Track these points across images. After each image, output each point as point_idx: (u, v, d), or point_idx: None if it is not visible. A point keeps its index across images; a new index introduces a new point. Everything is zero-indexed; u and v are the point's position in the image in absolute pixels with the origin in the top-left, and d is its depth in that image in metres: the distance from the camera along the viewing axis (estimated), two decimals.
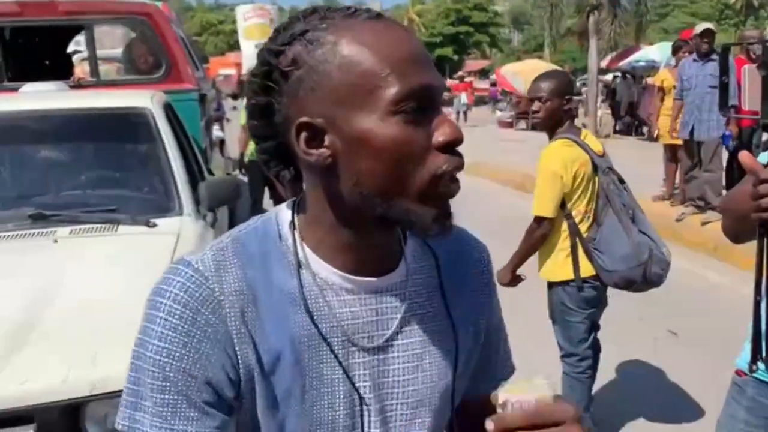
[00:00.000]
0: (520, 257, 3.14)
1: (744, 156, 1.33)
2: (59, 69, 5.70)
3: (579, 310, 3.11)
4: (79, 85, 4.90)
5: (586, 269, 3.01)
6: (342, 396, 0.88)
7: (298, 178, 0.90)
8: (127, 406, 0.84)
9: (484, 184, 10.61)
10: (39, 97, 3.63)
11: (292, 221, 0.90)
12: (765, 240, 1.37)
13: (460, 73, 19.95)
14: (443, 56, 50.28)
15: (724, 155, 7.18)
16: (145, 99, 3.45)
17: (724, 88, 1.51)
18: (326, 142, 0.81)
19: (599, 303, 3.17)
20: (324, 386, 0.87)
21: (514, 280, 3.17)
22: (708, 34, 6.80)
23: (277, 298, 0.86)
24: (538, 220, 2.99)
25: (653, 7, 21.33)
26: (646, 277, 2.97)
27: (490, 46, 57.44)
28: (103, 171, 3.30)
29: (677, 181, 7.91)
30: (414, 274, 0.94)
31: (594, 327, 3.27)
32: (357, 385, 0.89)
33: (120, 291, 2.14)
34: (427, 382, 0.94)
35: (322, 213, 0.87)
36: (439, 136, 0.81)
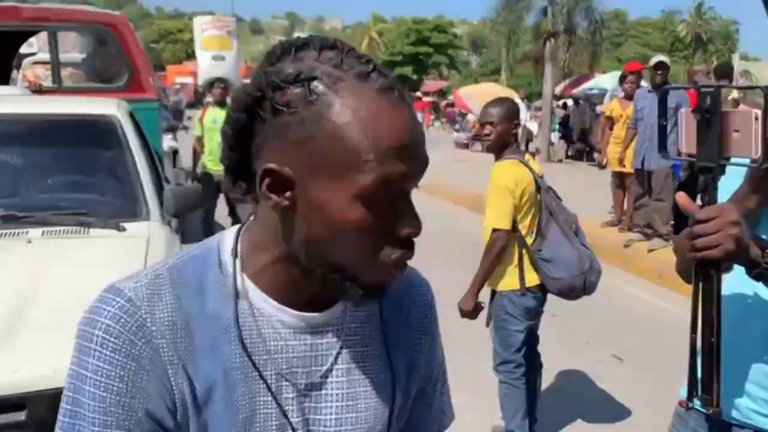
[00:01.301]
0: (483, 275, 3.26)
1: (680, 197, 1.36)
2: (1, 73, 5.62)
3: (520, 319, 3.31)
4: (40, 90, 4.88)
5: (531, 279, 3.23)
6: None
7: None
8: (67, 415, 0.82)
9: (440, 204, 10.70)
10: (7, 100, 3.66)
11: (235, 248, 0.88)
12: (700, 279, 1.39)
13: (417, 93, 20.08)
14: (403, 75, 50.71)
15: (674, 185, 7.38)
16: (112, 107, 3.54)
17: (662, 131, 1.55)
18: (287, 194, 0.79)
19: (537, 314, 3.40)
20: (256, 421, 0.85)
21: (476, 309, 3.28)
22: (661, 66, 7.00)
23: (211, 328, 0.84)
24: (496, 232, 3.15)
25: (607, 36, 21.83)
26: (585, 285, 3.21)
27: (448, 67, 58.20)
28: (71, 176, 3.34)
29: (625, 207, 8.09)
30: (353, 311, 0.92)
31: (532, 337, 3.51)
32: (289, 421, 0.87)
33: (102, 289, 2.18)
34: (361, 423, 0.92)
35: (268, 245, 0.85)
36: (402, 230, 0.80)
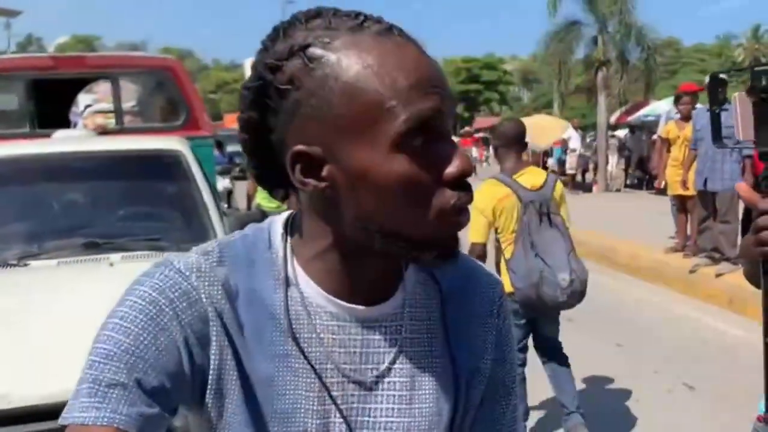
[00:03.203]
0: None
1: (741, 188, 1.24)
2: (61, 119, 5.91)
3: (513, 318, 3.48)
4: (105, 133, 5.15)
5: (507, 286, 3.40)
6: (315, 428, 0.80)
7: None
8: (71, 397, 0.74)
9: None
10: (82, 140, 4.06)
11: (285, 234, 0.83)
12: None
13: (466, 128, 20.04)
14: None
15: (741, 206, 7.07)
16: (177, 143, 3.84)
17: (716, 120, 1.42)
18: (324, 173, 0.74)
19: (526, 318, 3.57)
20: (297, 414, 0.79)
21: None
22: (722, 84, 6.76)
23: (257, 310, 0.80)
24: (471, 246, 3.43)
25: (662, 63, 21.45)
26: (540, 296, 3.38)
27: (499, 103, 58.23)
28: (143, 206, 3.62)
29: (689, 232, 7.78)
30: (412, 307, 0.85)
31: (545, 339, 3.77)
32: (333, 420, 0.81)
33: None
34: (415, 427, 0.84)
35: (316, 235, 0.80)
36: (449, 170, 0.74)
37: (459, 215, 0.75)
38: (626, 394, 4.43)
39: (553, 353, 3.76)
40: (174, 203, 3.59)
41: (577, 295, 3.42)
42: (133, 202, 3.61)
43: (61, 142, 3.97)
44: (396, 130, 0.70)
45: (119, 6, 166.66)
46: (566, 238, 3.46)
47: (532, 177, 3.53)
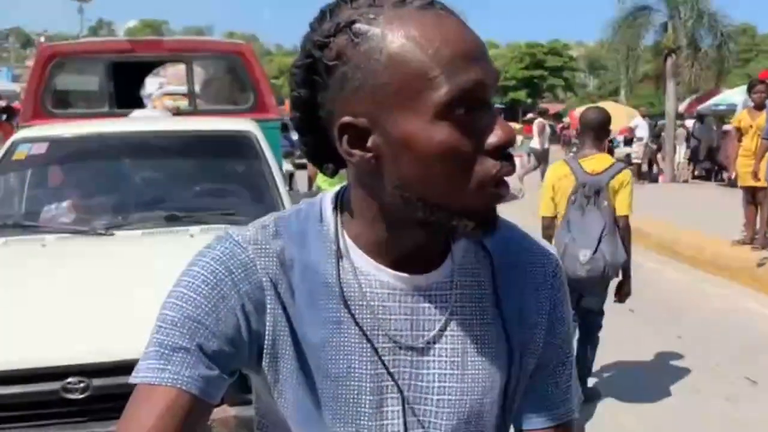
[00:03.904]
0: None
1: None
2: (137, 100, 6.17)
3: None
4: (179, 113, 5.39)
5: None
6: (368, 392, 0.84)
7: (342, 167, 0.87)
8: (141, 358, 0.82)
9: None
10: (161, 120, 4.34)
11: (336, 207, 0.87)
12: None
13: (530, 115, 19.70)
14: (517, 99, 50.23)
15: None
16: (249, 124, 4.06)
17: None
18: (369, 144, 0.77)
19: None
20: (351, 378, 0.84)
21: None
22: None
23: (311, 280, 0.85)
24: (542, 218, 3.89)
25: (735, 51, 20.64)
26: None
27: (564, 89, 57.08)
28: (218, 182, 3.84)
29: (758, 225, 7.57)
30: (462, 276, 0.88)
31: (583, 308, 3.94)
32: (386, 383, 0.85)
33: None
34: (468, 393, 0.87)
35: (363, 208, 0.84)
36: (491, 139, 0.76)
37: (499, 187, 0.77)
38: (686, 386, 4.39)
39: (583, 326, 3.93)
40: (246, 181, 3.77)
41: (599, 274, 3.65)
42: (209, 179, 3.81)
43: (142, 122, 4.18)
44: (439, 100, 0.73)
45: None
46: (607, 221, 3.67)
47: (595, 162, 3.76)
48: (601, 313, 4.00)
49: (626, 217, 3.77)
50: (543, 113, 16.05)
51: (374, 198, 0.82)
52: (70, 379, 2.22)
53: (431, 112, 0.73)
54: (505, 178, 0.79)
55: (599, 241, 3.63)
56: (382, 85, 0.74)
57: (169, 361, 0.79)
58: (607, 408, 4.05)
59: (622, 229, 3.77)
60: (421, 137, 0.74)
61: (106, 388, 2.22)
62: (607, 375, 4.45)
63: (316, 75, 0.78)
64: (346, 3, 0.78)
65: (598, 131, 3.83)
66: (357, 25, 0.76)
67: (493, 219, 0.80)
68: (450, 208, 0.77)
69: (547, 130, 15.80)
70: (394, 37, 0.74)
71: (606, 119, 3.86)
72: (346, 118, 0.77)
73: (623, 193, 3.75)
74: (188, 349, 0.79)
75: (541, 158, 15.35)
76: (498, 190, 0.77)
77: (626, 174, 3.85)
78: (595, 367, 4.13)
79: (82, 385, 2.23)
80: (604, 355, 4.32)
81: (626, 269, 3.90)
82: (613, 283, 3.95)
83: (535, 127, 15.80)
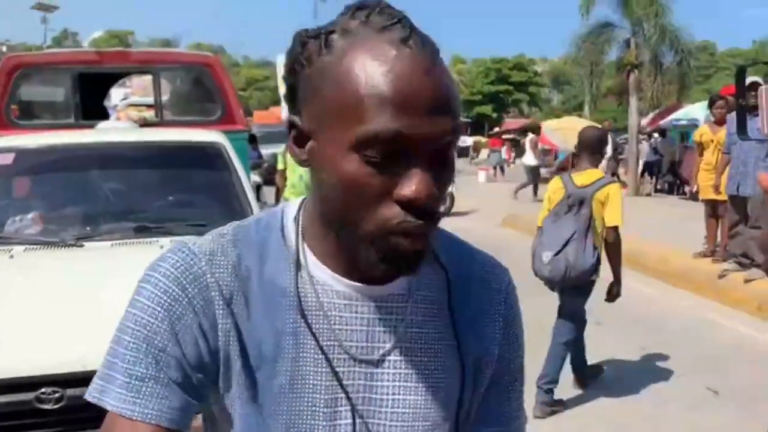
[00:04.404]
0: None
1: (763, 177, 1.27)
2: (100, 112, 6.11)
3: None
4: (146, 124, 5.37)
5: None
6: (323, 404, 0.84)
7: None
8: (100, 377, 0.82)
9: (520, 237, 10.52)
10: (130, 131, 4.32)
11: (297, 216, 0.87)
12: None
13: (495, 129, 19.94)
14: (482, 114, 50.72)
15: None
16: (218, 135, 4.08)
17: (741, 111, 1.45)
18: (306, 147, 0.80)
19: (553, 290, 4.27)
20: (305, 390, 0.83)
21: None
22: (755, 87, 6.72)
23: (269, 291, 0.84)
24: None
25: (696, 67, 21.11)
26: (534, 270, 4.09)
27: (529, 104, 57.81)
28: (187, 194, 3.85)
29: (719, 237, 7.74)
30: (418, 288, 0.88)
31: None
32: (340, 396, 0.84)
33: None
34: (420, 408, 0.87)
35: (315, 210, 0.84)
36: (402, 190, 0.74)
37: (402, 237, 0.75)
38: (651, 398, 4.46)
39: (558, 323, 4.20)
40: (216, 192, 3.80)
41: (560, 274, 3.94)
42: (179, 191, 3.83)
43: (110, 133, 4.16)
44: (356, 134, 0.72)
45: (152, 2, 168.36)
46: (579, 228, 3.94)
47: (585, 177, 4.07)
48: (575, 318, 4.17)
49: (616, 227, 4.03)
50: (535, 129, 16.30)
51: (317, 203, 0.83)
52: (43, 390, 2.21)
53: (348, 143, 0.74)
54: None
55: (565, 245, 3.91)
56: (325, 100, 0.76)
57: (140, 393, 0.79)
58: (573, 417, 4.10)
59: (610, 238, 4.05)
60: (335, 162, 0.75)
61: (81, 398, 2.19)
62: (573, 385, 4.50)
63: (298, 66, 0.80)
64: (349, 10, 0.79)
65: (594, 148, 4.13)
66: (333, 36, 0.77)
67: (399, 258, 0.77)
68: (356, 235, 0.77)
69: (539, 146, 16.08)
70: (349, 59, 0.74)
71: (601, 137, 4.21)
72: (294, 117, 0.80)
73: (612, 204, 4.00)
74: (156, 379, 0.80)
75: (535, 174, 15.61)
76: (398, 240, 0.75)
77: (612, 187, 4.09)
78: (562, 378, 4.18)
79: (56, 395, 2.22)
80: (569, 366, 4.38)
81: (616, 273, 4.19)
82: (604, 286, 4.20)
83: (528, 143, 16.06)
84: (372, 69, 0.73)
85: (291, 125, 0.81)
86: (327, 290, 0.84)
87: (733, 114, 7.15)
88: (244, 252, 0.85)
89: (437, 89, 0.74)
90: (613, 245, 4.10)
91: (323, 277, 0.84)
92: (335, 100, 0.74)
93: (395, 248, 0.76)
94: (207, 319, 0.82)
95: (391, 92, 0.72)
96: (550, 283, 4.12)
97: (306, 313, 0.83)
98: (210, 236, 0.86)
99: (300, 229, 0.86)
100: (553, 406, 4.09)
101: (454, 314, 0.89)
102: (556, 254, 3.93)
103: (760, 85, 6.77)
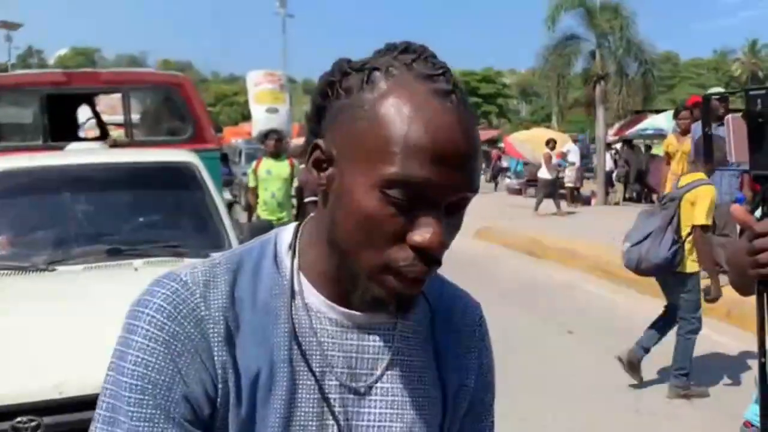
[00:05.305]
0: None
1: (736, 210, 1.29)
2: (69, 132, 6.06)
3: None
4: (116, 145, 5.30)
5: None
6: (314, 430, 0.85)
7: None
8: (103, 422, 0.80)
9: (493, 249, 10.61)
10: (100, 152, 4.29)
11: (292, 244, 0.88)
12: (765, 297, 1.28)
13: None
14: None
15: None
16: (190, 155, 4.06)
17: (707, 140, 1.47)
18: (327, 173, 0.82)
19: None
20: (297, 415, 0.84)
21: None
22: (719, 99, 6.88)
23: (262, 319, 0.84)
24: None
25: (659, 77, 21.53)
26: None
27: (498, 116, 58.33)
28: (160, 214, 3.83)
29: None
30: (405, 319, 0.91)
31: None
32: (329, 422, 0.85)
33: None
34: None
35: (318, 235, 0.86)
36: (415, 236, 0.77)
37: (403, 278, 0.78)
38: (625, 404, 4.51)
39: (665, 313, 4.66)
40: (189, 212, 3.79)
41: (633, 265, 4.34)
42: (151, 211, 3.80)
43: (80, 154, 4.14)
44: (386, 173, 0.75)
45: (118, 18, 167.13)
46: (661, 223, 4.27)
47: (688, 178, 4.48)
48: (685, 310, 4.50)
49: (701, 227, 4.30)
50: (549, 144, 16.19)
51: (324, 225, 0.84)
52: (20, 419, 2.18)
53: (373, 180, 0.76)
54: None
55: (645, 238, 4.24)
56: (356, 133, 0.78)
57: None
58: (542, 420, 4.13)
59: (696, 238, 4.30)
60: (356, 195, 0.78)
61: (58, 426, 2.19)
62: (543, 394, 4.53)
63: (331, 91, 0.82)
64: (393, 51, 0.81)
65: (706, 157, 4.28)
66: (375, 73, 0.79)
67: (395, 299, 0.80)
68: (360, 267, 0.80)
69: (554, 160, 15.94)
70: (389, 100, 0.77)
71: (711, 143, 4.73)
72: (320, 141, 0.82)
73: (700, 205, 4.27)
74: (167, 418, 0.79)
75: (550, 188, 15.41)
76: (398, 282, 0.79)
77: (702, 189, 4.33)
78: (537, 384, 4.21)
79: (32, 423, 2.18)
80: (543, 373, 4.42)
81: (710, 273, 4.47)
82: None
83: (542, 158, 15.98)
84: (413, 115, 0.76)
85: (314, 148, 0.82)
86: (320, 317, 0.86)
87: (698, 123, 7.32)
88: (237, 281, 0.85)
89: (471, 147, 0.78)
90: (697, 245, 4.33)
91: (317, 304, 0.86)
92: (370, 136, 0.77)
93: (393, 288, 0.79)
94: (205, 353, 0.81)
95: (430, 142, 0.75)
96: (636, 273, 4.49)
97: (300, 340, 0.84)
98: (202, 265, 0.86)
99: (296, 254, 0.87)
100: (687, 390, 4.45)
101: (436, 344, 0.93)
102: (633, 245, 4.25)
103: (726, 98, 6.97)
